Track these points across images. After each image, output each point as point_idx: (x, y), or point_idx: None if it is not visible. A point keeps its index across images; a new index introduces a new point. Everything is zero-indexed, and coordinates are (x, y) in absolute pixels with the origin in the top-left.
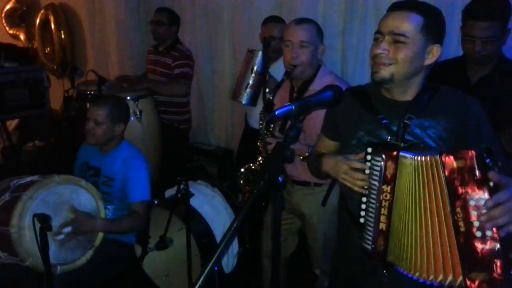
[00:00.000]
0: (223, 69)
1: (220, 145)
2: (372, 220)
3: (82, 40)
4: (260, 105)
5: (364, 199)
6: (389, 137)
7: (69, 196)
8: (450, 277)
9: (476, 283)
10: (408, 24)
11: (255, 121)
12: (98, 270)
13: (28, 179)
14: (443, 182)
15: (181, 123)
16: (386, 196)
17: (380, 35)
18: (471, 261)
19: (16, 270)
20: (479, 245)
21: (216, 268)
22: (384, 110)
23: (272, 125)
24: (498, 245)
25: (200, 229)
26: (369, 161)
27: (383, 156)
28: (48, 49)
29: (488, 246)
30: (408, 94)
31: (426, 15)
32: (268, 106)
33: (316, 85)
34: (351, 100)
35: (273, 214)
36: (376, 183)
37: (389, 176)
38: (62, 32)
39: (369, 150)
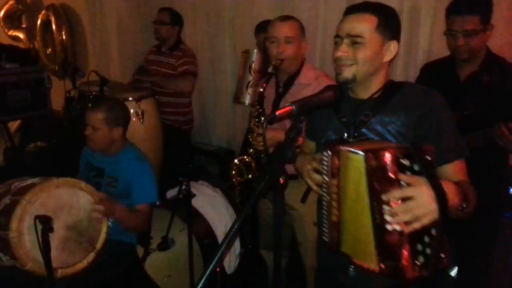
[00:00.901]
0: (224, 69)
1: (221, 145)
2: (326, 212)
3: (83, 40)
4: None
5: (322, 191)
6: (345, 135)
7: (68, 199)
8: (372, 265)
9: (384, 266)
10: (363, 25)
11: None
12: (99, 271)
13: (29, 181)
14: (364, 178)
15: (182, 124)
16: (334, 189)
17: (339, 38)
18: (383, 250)
19: (18, 272)
20: (388, 237)
21: (218, 269)
22: (349, 109)
23: (262, 117)
24: (403, 238)
25: (201, 229)
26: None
27: (328, 152)
28: (49, 50)
29: (395, 238)
30: (370, 91)
31: (379, 14)
32: (260, 99)
33: (302, 79)
34: None
35: (274, 215)
36: (326, 177)
37: (334, 170)
38: (63, 32)
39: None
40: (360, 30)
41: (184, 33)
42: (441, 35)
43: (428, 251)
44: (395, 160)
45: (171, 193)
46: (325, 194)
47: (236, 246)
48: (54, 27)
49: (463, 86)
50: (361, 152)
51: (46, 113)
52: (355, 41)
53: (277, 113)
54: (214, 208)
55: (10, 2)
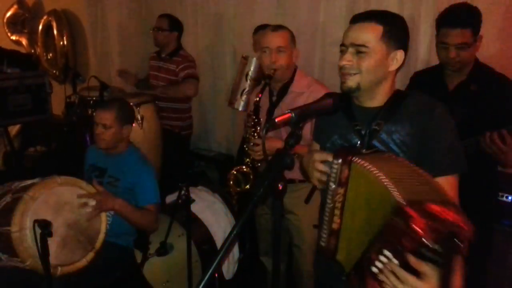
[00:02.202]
0: (225, 75)
1: (221, 151)
2: (327, 219)
3: (84, 46)
4: None
5: (326, 196)
6: (358, 142)
7: (69, 197)
8: (346, 267)
9: (353, 276)
10: (367, 34)
11: None
12: (98, 273)
13: (29, 182)
14: (383, 216)
15: (182, 129)
16: (339, 198)
17: (344, 47)
18: (359, 271)
19: (16, 274)
20: (367, 271)
21: (216, 275)
22: (357, 116)
23: (258, 127)
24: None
25: (200, 235)
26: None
27: (339, 160)
28: (51, 55)
29: (372, 277)
30: (376, 100)
31: (385, 23)
32: (256, 109)
33: (295, 87)
34: None
35: (273, 221)
36: (332, 184)
37: (343, 179)
38: (64, 38)
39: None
40: (364, 39)
41: (185, 38)
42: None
43: None
44: (420, 239)
45: (170, 198)
46: (328, 200)
47: (235, 251)
48: (55, 32)
49: (451, 96)
50: (397, 198)
51: (47, 117)
52: (359, 50)
53: (276, 120)
54: (213, 214)
55: (15, 7)
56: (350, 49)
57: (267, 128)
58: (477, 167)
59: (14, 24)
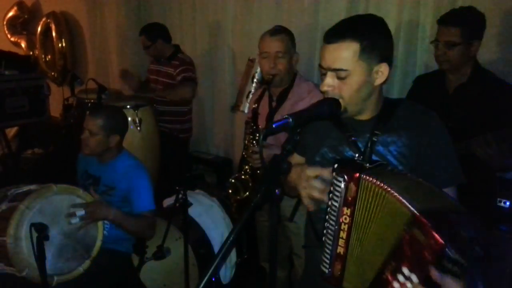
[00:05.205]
0: (223, 78)
1: (219, 154)
2: (330, 242)
3: (82, 48)
4: None
5: (327, 217)
6: (356, 155)
7: (66, 206)
8: None
9: None
10: (343, 55)
11: None
12: (95, 281)
13: (26, 188)
14: (397, 232)
15: (180, 132)
16: (345, 219)
17: (323, 69)
18: None
19: (12, 281)
20: None
21: (213, 279)
22: (349, 128)
23: (257, 134)
24: None
25: (198, 239)
26: (332, 179)
27: (345, 177)
28: (49, 57)
29: None
30: (366, 114)
31: (361, 38)
32: (254, 115)
33: (295, 93)
34: None
35: (270, 227)
36: (337, 204)
37: (349, 198)
38: (63, 40)
39: (335, 166)
40: (341, 62)
41: (183, 42)
42: None
43: None
44: (441, 248)
45: (167, 201)
46: (332, 222)
47: (232, 255)
48: (54, 34)
49: (451, 99)
50: (411, 209)
51: (44, 120)
52: (338, 75)
53: (274, 126)
54: (211, 218)
55: (14, 8)
56: (329, 73)
57: (265, 134)
58: (475, 172)
59: (14, 26)
